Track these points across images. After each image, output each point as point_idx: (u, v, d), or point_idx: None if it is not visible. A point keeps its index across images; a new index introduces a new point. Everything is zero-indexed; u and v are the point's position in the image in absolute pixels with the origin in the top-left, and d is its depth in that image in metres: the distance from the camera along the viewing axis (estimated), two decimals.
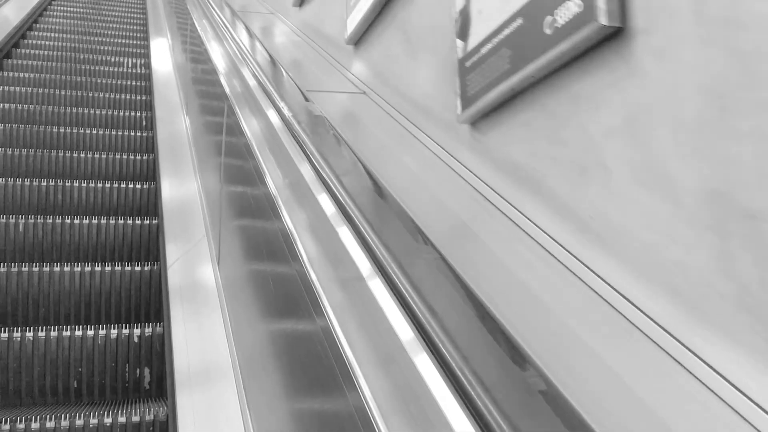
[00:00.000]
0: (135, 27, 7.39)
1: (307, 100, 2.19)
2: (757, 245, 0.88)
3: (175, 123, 4.17)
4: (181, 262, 2.75)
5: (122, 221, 3.30)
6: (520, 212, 1.41)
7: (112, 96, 5.09)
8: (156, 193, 3.50)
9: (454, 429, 0.75)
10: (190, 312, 2.35)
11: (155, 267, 2.95)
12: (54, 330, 2.47)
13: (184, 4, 5.00)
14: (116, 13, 7.94)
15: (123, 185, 3.68)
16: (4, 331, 2.43)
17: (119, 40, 6.73)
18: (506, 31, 1.45)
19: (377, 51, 2.51)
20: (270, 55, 2.77)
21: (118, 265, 2.92)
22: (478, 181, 1.60)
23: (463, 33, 1.68)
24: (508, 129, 1.51)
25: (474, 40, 1.62)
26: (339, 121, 2.20)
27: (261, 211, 1.85)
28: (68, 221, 3.24)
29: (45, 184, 3.58)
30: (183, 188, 3.42)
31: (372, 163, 1.64)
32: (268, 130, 2.00)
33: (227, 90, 2.57)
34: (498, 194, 1.51)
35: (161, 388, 2.49)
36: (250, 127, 2.16)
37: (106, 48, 6.35)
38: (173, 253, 2.84)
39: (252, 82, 2.41)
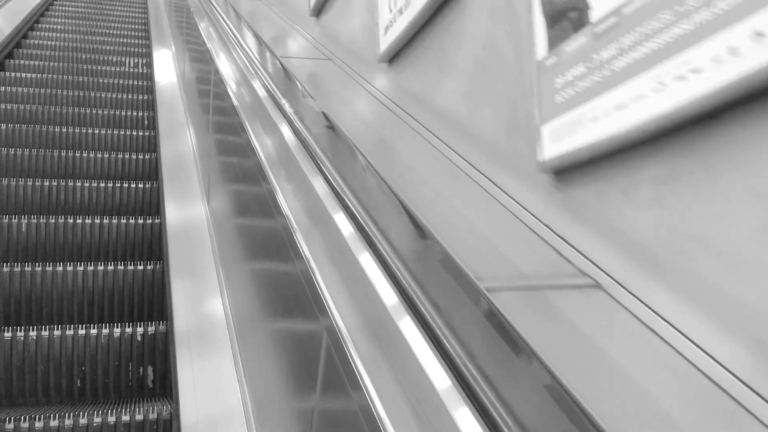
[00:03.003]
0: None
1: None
2: None
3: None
4: None
5: (125, 220, 3.31)
6: None
7: (115, 96, 5.11)
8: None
9: None
10: None
11: (158, 266, 2.96)
12: (57, 329, 2.47)
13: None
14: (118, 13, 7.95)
15: (126, 184, 3.69)
16: (8, 331, 2.44)
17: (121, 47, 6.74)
18: None
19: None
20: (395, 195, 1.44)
21: (120, 264, 2.93)
22: None
23: None
24: None
25: None
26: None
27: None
28: (71, 221, 3.25)
29: (48, 184, 3.59)
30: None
31: None
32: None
33: (306, 253, 1.40)
34: None
35: (165, 386, 2.49)
36: (345, 323, 1.13)
37: (108, 48, 6.35)
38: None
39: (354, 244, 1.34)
